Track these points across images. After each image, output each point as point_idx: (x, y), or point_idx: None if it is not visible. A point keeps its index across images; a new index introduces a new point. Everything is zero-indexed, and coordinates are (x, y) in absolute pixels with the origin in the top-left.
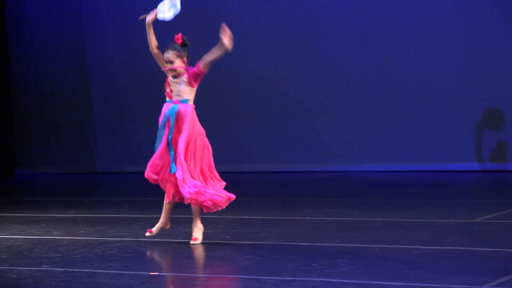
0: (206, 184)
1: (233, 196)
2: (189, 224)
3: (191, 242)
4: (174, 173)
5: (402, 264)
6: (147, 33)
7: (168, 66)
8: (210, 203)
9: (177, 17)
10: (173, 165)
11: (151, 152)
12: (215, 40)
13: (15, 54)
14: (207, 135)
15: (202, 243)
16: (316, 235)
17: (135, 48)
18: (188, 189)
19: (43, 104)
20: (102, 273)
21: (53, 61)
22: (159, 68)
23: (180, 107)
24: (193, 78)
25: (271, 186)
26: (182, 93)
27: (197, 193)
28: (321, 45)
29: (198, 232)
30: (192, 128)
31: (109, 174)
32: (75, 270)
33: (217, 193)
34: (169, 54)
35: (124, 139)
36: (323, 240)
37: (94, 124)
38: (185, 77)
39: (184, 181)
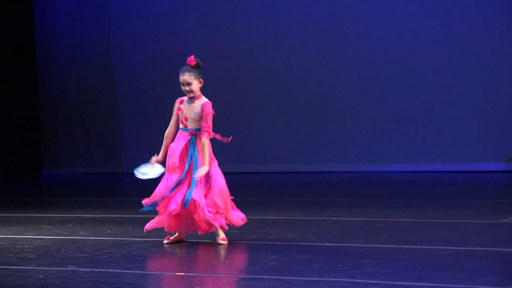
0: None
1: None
2: None
3: (221, 242)
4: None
5: (427, 265)
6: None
7: (187, 88)
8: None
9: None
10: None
11: None
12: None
13: (42, 55)
14: (233, 137)
15: (228, 243)
16: (342, 236)
17: (161, 48)
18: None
19: (70, 105)
20: (128, 273)
21: (80, 61)
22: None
23: (197, 137)
24: (203, 117)
25: (296, 187)
26: (196, 122)
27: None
28: (343, 45)
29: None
30: (211, 160)
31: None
32: (101, 270)
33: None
34: (185, 76)
35: (150, 139)
36: (349, 240)
37: (121, 124)
38: (199, 107)
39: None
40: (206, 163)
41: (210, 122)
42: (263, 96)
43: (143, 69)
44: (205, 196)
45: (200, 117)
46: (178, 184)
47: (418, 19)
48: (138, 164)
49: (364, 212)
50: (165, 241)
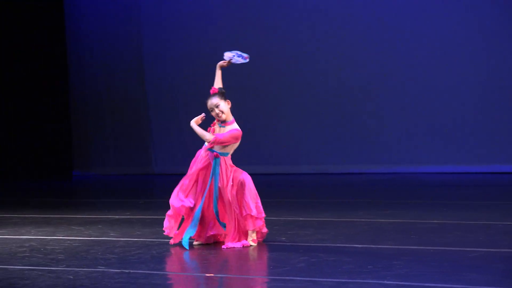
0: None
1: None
2: None
3: (251, 242)
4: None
5: (458, 266)
6: None
7: (217, 110)
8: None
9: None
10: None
11: None
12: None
13: (73, 58)
14: (264, 139)
15: (257, 244)
16: (372, 237)
17: (191, 50)
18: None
19: (100, 106)
20: (157, 275)
21: (110, 63)
22: (214, 68)
23: (221, 161)
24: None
25: (326, 188)
26: (223, 147)
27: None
28: (374, 47)
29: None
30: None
31: (166, 176)
32: (131, 271)
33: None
34: (213, 100)
35: (181, 140)
36: (379, 242)
37: (151, 125)
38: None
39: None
40: (192, 125)
41: (225, 139)
42: (293, 98)
43: (173, 71)
44: (239, 198)
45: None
46: (200, 211)
47: (441, 24)
48: (168, 165)
49: (394, 214)
50: (195, 242)
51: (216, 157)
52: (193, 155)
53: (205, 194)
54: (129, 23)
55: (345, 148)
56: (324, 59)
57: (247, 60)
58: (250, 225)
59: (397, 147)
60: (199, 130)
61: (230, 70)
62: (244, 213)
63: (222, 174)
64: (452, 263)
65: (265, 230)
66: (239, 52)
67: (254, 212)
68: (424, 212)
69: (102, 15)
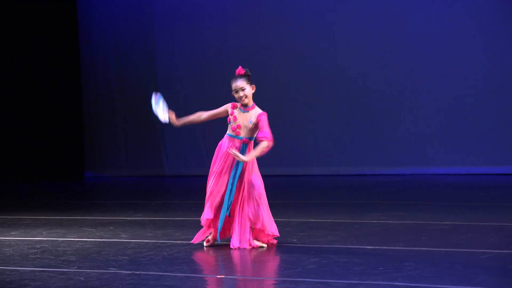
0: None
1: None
2: None
3: (261, 244)
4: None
5: (470, 268)
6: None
7: (241, 93)
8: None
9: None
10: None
11: None
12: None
13: (85, 60)
14: (276, 141)
15: (269, 246)
16: (383, 239)
17: (202, 53)
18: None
19: (112, 108)
20: (169, 276)
21: (122, 66)
22: (227, 71)
23: (248, 146)
24: (260, 127)
25: (338, 189)
26: (250, 131)
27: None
28: (387, 50)
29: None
30: (257, 171)
31: (177, 177)
32: (142, 273)
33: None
34: (238, 82)
35: (192, 142)
36: (390, 243)
37: (163, 127)
38: (254, 117)
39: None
40: (249, 158)
41: (269, 130)
42: (304, 100)
43: (184, 73)
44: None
45: (256, 127)
46: (230, 203)
47: (449, 26)
48: (179, 167)
49: (405, 215)
50: (205, 244)
51: (244, 143)
52: (204, 157)
53: (233, 184)
54: (142, 24)
55: (357, 150)
56: (336, 62)
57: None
58: (262, 238)
59: (409, 149)
60: (256, 153)
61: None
62: (259, 227)
63: (247, 165)
64: (464, 265)
65: (274, 241)
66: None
67: (273, 233)
68: (435, 213)
69: (115, 17)
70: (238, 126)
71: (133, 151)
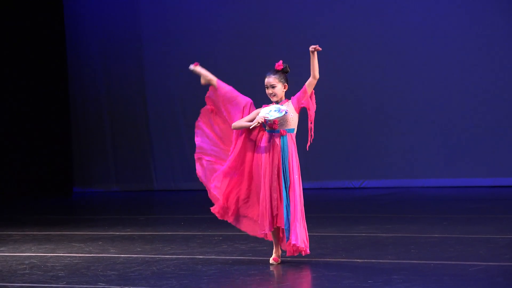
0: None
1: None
2: (244, 242)
3: (271, 261)
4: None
5: (459, 281)
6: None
7: (270, 90)
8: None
9: None
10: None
11: None
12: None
13: (73, 74)
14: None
15: (257, 259)
16: (372, 252)
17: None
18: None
19: (101, 123)
20: None
21: (111, 80)
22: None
23: (288, 138)
24: (300, 98)
25: (326, 202)
26: (287, 122)
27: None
28: (376, 64)
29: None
30: (297, 164)
31: (166, 192)
32: (131, 287)
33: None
34: (271, 79)
35: (181, 157)
36: (379, 256)
37: (151, 142)
38: (290, 104)
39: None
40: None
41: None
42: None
43: (174, 88)
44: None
45: (292, 115)
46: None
47: (445, 37)
48: (168, 181)
49: (394, 228)
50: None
51: (283, 134)
52: (192, 172)
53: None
54: (130, 39)
55: (345, 163)
56: (325, 74)
57: (283, 113)
58: (289, 251)
59: (397, 161)
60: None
61: (232, 83)
62: (295, 243)
63: (290, 157)
64: (453, 277)
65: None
66: (276, 107)
67: (305, 248)
68: (424, 226)
69: (103, 30)
70: (275, 121)
71: (122, 166)
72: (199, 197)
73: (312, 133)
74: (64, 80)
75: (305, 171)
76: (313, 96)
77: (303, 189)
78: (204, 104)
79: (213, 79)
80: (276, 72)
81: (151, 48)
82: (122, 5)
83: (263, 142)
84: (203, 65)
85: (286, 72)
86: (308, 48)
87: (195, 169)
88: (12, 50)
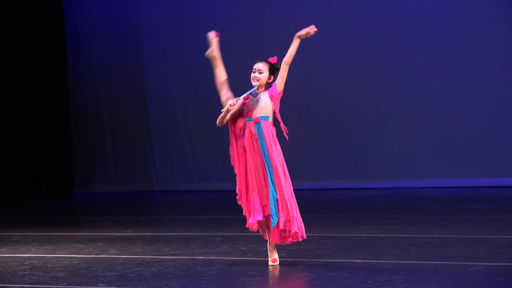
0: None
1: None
2: (245, 242)
3: (270, 263)
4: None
5: (459, 281)
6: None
7: (256, 74)
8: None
9: None
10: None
11: (208, 170)
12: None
13: (73, 75)
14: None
15: (257, 260)
16: (372, 252)
17: (192, 67)
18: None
19: (101, 124)
20: None
21: (111, 81)
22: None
23: (263, 125)
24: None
25: (326, 203)
26: (261, 109)
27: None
28: (376, 64)
29: (276, 253)
30: (277, 150)
31: (166, 193)
32: None
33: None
34: (261, 64)
35: (181, 157)
36: (379, 257)
37: (151, 143)
38: (266, 93)
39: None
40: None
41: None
42: (292, 113)
43: (174, 88)
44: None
45: (266, 103)
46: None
47: (445, 38)
48: (168, 182)
49: (394, 228)
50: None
51: (256, 122)
52: (192, 173)
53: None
54: (130, 41)
55: (345, 163)
56: (324, 75)
57: (254, 89)
58: (275, 238)
59: (397, 162)
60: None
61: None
62: (295, 231)
63: (266, 141)
64: (453, 278)
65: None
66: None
67: (303, 234)
68: (424, 226)
69: (103, 31)
70: (250, 109)
71: (122, 167)
72: (199, 197)
73: (282, 124)
74: (64, 80)
75: (305, 171)
76: (281, 93)
77: (303, 189)
78: (203, 104)
79: (218, 64)
80: (268, 62)
81: (151, 48)
82: (122, 5)
83: (245, 134)
84: (204, 65)
85: (277, 69)
86: (308, 48)
87: (194, 170)
88: (12, 50)
